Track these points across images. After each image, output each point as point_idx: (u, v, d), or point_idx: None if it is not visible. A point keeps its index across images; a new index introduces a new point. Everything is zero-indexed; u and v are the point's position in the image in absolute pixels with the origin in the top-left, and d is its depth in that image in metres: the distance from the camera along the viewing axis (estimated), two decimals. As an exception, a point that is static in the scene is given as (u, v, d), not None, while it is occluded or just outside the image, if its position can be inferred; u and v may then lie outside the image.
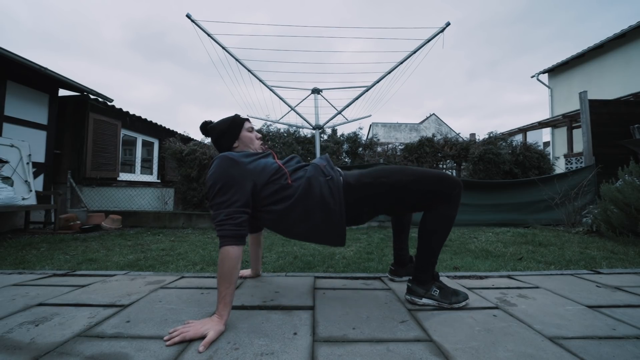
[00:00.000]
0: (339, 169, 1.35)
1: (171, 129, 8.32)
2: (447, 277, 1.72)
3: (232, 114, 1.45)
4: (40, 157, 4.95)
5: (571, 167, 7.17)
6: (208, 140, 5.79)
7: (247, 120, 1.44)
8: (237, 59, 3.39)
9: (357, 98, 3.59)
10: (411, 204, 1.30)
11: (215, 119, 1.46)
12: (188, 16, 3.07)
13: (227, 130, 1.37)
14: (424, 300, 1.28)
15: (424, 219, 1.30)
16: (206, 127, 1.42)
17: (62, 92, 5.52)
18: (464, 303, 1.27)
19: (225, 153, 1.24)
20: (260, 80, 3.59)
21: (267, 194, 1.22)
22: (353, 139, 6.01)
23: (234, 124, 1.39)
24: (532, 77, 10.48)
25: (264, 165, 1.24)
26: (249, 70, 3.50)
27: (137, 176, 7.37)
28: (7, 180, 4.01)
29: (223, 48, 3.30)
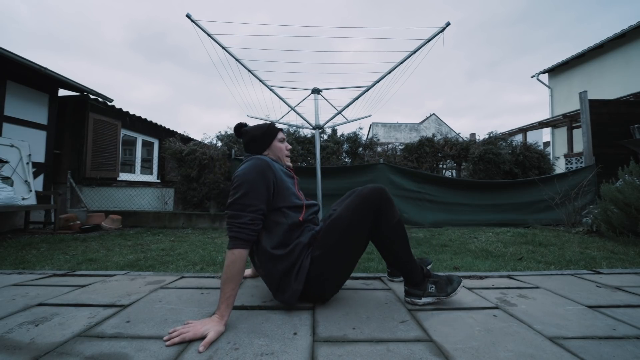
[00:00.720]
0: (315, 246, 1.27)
1: (171, 129, 8.32)
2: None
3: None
4: (40, 157, 4.95)
5: (571, 167, 7.17)
6: (208, 140, 5.80)
7: (281, 130, 1.44)
8: (237, 59, 3.39)
9: (357, 98, 3.58)
10: (362, 243, 1.27)
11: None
12: (188, 16, 3.07)
13: (260, 137, 1.39)
14: (424, 300, 1.29)
15: (379, 237, 1.28)
16: (240, 130, 1.44)
17: (62, 92, 5.53)
18: (459, 288, 1.29)
19: (264, 157, 1.25)
20: (260, 80, 3.59)
21: (270, 219, 1.21)
22: (353, 139, 6.02)
23: (268, 132, 1.40)
24: (532, 77, 10.48)
25: (290, 193, 1.26)
26: (248, 70, 3.50)
27: (137, 176, 7.37)
28: (7, 180, 4.01)
29: (223, 48, 3.29)
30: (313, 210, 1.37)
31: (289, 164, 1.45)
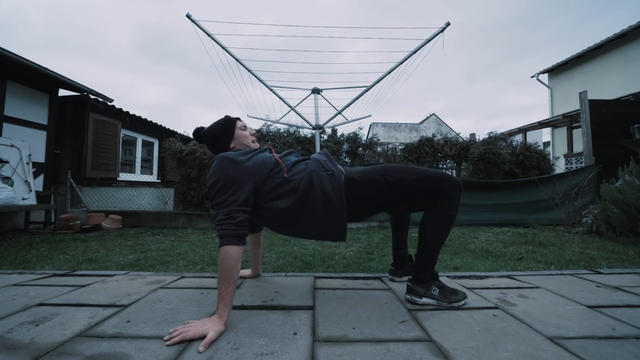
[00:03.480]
0: (340, 165, 1.34)
1: (171, 129, 8.32)
2: (447, 277, 1.72)
3: (240, 115, 1.46)
4: (40, 157, 4.95)
5: (571, 167, 7.17)
6: (206, 142, 5.80)
7: (238, 119, 1.44)
8: (236, 59, 3.39)
9: (357, 98, 3.59)
10: (413, 202, 1.30)
11: (217, 118, 1.46)
12: (188, 16, 3.07)
13: (220, 132, 1.38)
14: (424, 300, 1.28)
15: (425, 218, 1.31)
16: (199, 134, 1.42)
17: (63, 92, 5.53)
18: (462, 302, 1.28)
19: (223, 153, 1.24)
20: (260, 80, 3.59)
21: (268, 189, 1.22)
22: (353, 139, 6.01)
23: (227, 125, 1.39)
24: (532, 77, 10.48)
25: (262, 161, 1.24)
26: (248, 70, 3.50)
27: (137, 176, 7.37)
28: (7, 180, 4.01)
29: (223, 48, 3.30)
30: (292, 155, 1.38)
31: (257, 144, 1.43)
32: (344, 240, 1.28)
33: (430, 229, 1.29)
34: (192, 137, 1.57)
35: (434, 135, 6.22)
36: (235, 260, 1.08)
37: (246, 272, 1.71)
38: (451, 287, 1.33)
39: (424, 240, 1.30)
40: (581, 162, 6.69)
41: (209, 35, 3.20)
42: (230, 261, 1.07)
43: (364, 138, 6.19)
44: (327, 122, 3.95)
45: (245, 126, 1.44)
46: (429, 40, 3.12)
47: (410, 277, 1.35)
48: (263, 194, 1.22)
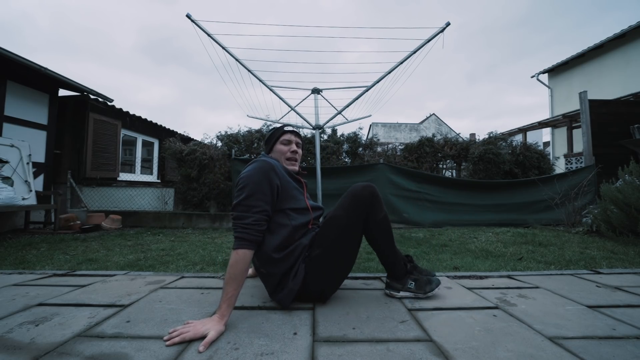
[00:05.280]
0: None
1: (171, 129, 8.32)
2: (447, 277, 1.72)
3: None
4: (40, 157, 4.95)
5: (571, 167, 7.17)
6: (208, 140, 5.80)
7: (288, 132, 1.40)
8: (236, 59, 3.39)
9: (357, 98, 3.58)
10: (357, 239, 1.30)
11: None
12: (188, 16, 3.07)
13: (268, 139, 1.43)
14: (402, 294, 1.35)
15: (367, 232, 1.32)
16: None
17: (62, 92, 5.53)
18: (436, 289, 1.35)
19: (270, 159, 1.27)
20: (260, 80, 3.59)
21: (273, 220, 1.22)
22: (353, 139, 6.01)
23: (273, 134, 1.42)
24: (532, 77, 10.48)
25: (295, 194, 1.27)
26: (248, 70, 3.50)
27: (137, 176, 7.37)
28: (7, 180, 4.01)
29: (223, 48, 3.30)
30: (318, 214, 1.39)
31: (293, 167, 1.40)
32: (284, 309, 1.26)
33: (377, 237, 1.32)
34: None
35: (434, 135, 6.21)
36: (247, 264, 1.11)
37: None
38: (425, 277, 1.38)
39: (378, 245, 1.34)
40: (581, 162, 6.69)
41: (208, 35, 3.20)
42: (245, 264, 1.10)
43: (364, 138, 6.19)
44: (327, 122, 3.95)
45: (288, 141, 1.39)
46: (429, 40, 3.12)
47: (387, 274, 1.40)
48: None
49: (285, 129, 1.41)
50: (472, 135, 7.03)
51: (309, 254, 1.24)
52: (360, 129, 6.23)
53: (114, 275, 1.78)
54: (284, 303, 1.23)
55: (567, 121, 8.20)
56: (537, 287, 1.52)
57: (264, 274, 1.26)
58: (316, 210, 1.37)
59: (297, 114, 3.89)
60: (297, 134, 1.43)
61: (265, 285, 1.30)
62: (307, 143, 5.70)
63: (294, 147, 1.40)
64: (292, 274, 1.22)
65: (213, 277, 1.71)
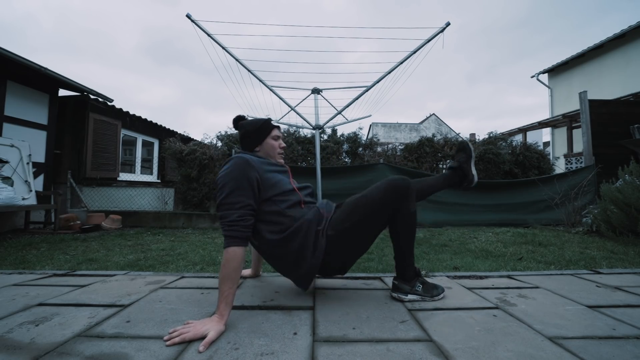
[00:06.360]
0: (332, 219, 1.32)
1: (171, 129, 8.32)
2: (447, 277, 1.72)
3: (272, 120, 1.44)
4: (40, 157, 4.95)
5: (571, 167, 7.17)
6: (208, 140, 5.80)
7: (277, 127, 1.44)
8: (236, 59, 3.39)
9: (357, 98, 3.58)
10: (380, 225, 1.31)
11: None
12: (188, 16, 3.08)
13: (253, 133, 1.39)
14: (410, 297, 1.33)
15: (392, 223, 1.32)
16: (237, 122, 1.45)
17: (63, 92, 5.53)
18: (442, 295, 1.36)
19: (244, 155, 1.25)
20: (260, 80, 3.59)
21: (264, 210, 1.23)
22: (353, 139, 6.01)
23: (262, 129, 1.40)
24: (532, 77, 10.48)
25: (278, 181, 1.27)
26: (248, 70, 3.50)
27: (137, 176, 7.37)
28: (7, 180, 4.01)
29: (223, 48, 3.30)
30: (307, 192, 1.39)
31: (281, 161, 1.45)
32: (305, 290, 1.31)
33: (400, 231, 1.32)
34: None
35: (434, 135, 6.21)
36: (241, 261, 1.10)
37: (246, 272, 1.71)
38: (431, 282, 1.39)
39: (398, 242, 1.34)
40: (581, 162, 6.69)
41: (208, 35, 3.20)
42: (236, 262, 1.09)
43: (364, 138, 6.18)
44: (327, 122, 3.95)
45: (278, 137, 1.43)
46: (429, 40, 3.12)
47: (395, 275, 1.39)
48: (258, 209, 1.22)
49: (273, 123, 1.44)
50: (472, 135, 7.03)
51: (332, 228, 1.25)
52: (360, 129, 6.23)
53: (114, 275, 1.78)
54: (305, 281, 1.24)
55: (567, 121, 8.20)
56: (537, 287, 1.52)
57: (276, 258, 1.27)
58: (303, 190, 1.37)
59: (297, 114, 3.89)
60: (280, 129, 1.47)
61: (280, 269, 1.31)
62: (307, 143, 5.70)
63: (282, 142, 1.45)
64: (310, 249, 1.22)
65: (213, 277, 1.71)
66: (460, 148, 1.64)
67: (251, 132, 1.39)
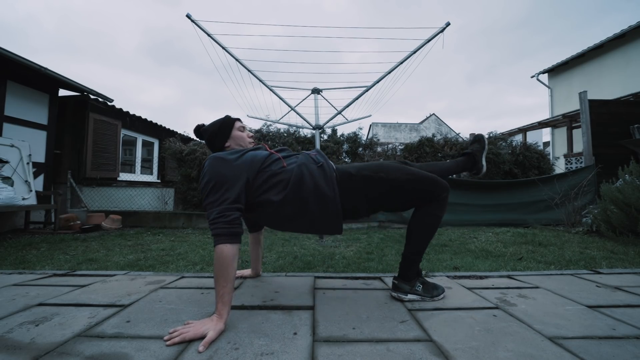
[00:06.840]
0: (330, 162, 1.37)
1: (171, 129, 8.32)
2: (447, 277, 1.72)
3: (242, 115, 1.47)
4: (40, 157, 4.95)
5: (571, 167, 7.16)
6: (206, 140, 5.80)
7: (238, 120, 1.47)
8: (236, 59, 3.40)
9: (357, 98, 3.59)
10: (404, 202, 1.35)
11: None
12: (188, 16, 3.08)
13: (218, 131, 1.40)
14: (410, 297, 1.33)
15: (414, 218, 1.35)
16: (199, 130, 1.46)
17: (63, 92, 5.53)
18: (442, 295, 1.36)
19: (215, 154, 1.26)
20: (260, 80, 3.59)
21: (260, 183, 1.23)
22: (353, 139, 6.01)
23: (225, 125, 1.42)
24: (532, 77, 10.48)
25: (252, 156, 1.26)
26: (248, 70, 3.50)
27: (137, 176, 7.37)
28: (7, 180, 4.01)
29: (223, 48, 3.30)
30: (285, 153, 1.41)
31: (252, 145, 1.47)
32: (340, 233, 1.32)
33: (418, 229, 1.33)
34: (193, 134, 1.60)
35: (434, 135, 6.21)
36: (230, 259, 1.07)
37: (246, 271, 1.71)
38: (431, 282, 1.39)
39: (412, 239, 1.35)
40: (581, 162, 6.68)
41: (208, 35, 3.20)
42: (225, 259, 1.07)
43: (364, 138, 6.18)
44: (327, 122, 3.95)
45: (243, 127, 1.46)
46: (429, 40, 3.12)
47: (397, 274, 1.39)
48: (255, 187, 1.22)
49: (233, 117, 1.46)
50: (472, 135, 7.02)
51: (351, 172, 1.29)
52: (360, 129, 6.23)
53: (114, 275, 1.78)
54: (335, 220, 1.26)
55: (567, 121, 8.20)
56: (537, 287, 1.52)
57: (297, 213, 1.25)
58: (281, 152, 1.39)
59: (297, 114, 3.89)
60: (241, 121, 1.49)
61: (307, 224, 1.30)
62: (307, 143, 5.70)
63: (249, 132, 1.47)
64: (322, 181, 1.24)
65: (213, 277, 1.71)
66: (475, 139, 1.70)
67: (215, 131, 1.40)
